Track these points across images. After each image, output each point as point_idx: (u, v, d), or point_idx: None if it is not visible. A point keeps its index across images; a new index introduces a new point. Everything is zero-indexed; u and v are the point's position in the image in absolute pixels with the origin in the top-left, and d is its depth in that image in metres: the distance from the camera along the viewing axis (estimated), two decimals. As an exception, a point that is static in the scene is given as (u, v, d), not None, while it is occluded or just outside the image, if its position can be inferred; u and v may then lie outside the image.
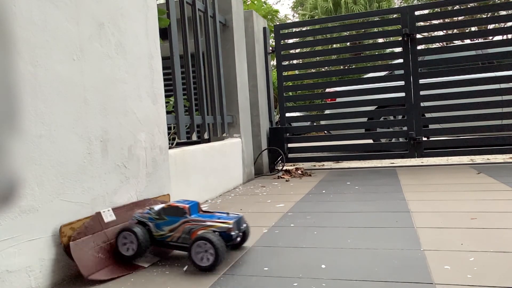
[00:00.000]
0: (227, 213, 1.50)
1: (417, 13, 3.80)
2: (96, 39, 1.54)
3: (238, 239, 1.44)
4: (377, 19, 6.99)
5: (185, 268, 1.36)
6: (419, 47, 3.82)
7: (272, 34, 4.41)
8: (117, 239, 1.43)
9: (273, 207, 2.26)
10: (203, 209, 1.64)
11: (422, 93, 3.81)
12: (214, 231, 1.37)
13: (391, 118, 5.02)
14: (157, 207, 1.50)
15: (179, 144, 3.04)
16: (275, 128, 4.07)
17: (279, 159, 4.04)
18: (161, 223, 1.45)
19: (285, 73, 4.28)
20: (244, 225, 1.51)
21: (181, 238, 1.43)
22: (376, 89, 3.92)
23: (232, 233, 1.38)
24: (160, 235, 1.45)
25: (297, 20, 21.94)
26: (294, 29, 14.31)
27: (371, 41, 13.47)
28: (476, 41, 5.50)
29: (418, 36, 3.84)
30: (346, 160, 4.13)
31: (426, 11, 8.86)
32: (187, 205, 1.45)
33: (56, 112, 1.32)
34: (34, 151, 1.22)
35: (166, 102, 2.84)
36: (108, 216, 1.49)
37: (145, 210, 1.52)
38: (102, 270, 1.32)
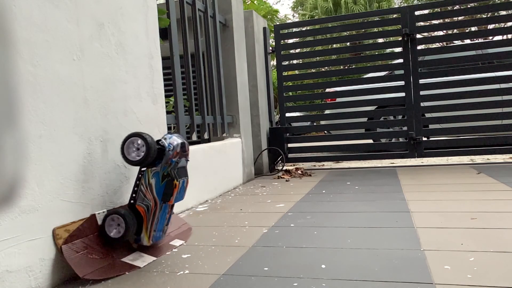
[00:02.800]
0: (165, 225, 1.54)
1: (417, 13, 3.80)
2: (96, 39, 1.54)
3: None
4: (377, 19, 6.99)
5: (186, 272, 1.36)
6: (419, 47, 3.82)
7: (272, 34, 4.41)
8: (126, 142, 1.43)
9: (273, 207, 2.26)
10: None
11: (422, 93, 3.81)
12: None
13: (391, 118, 5.02)
14: (182, 160, 1.49)
15: (179, 144, 3.03)
16: (275, 128, 4.07)
17: (279, 159, 4.04)
18: (161, 175, 1.45)
19: (285, 73, 4.28)
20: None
21: (140, 194, 1.45)
22: (376, 89, 3.92)
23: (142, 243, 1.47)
24: (153, 171, 1.45)
25: (297, 20, 21.94)
26: (294, 29, 14.31)
27: (371, 41, 13.48)
28: (476, 41, 5.50)
29: (418, 36, 3.84)
30: (346, 160, 4.13)
31: (426, 11, 8.86)
32: (173, 199, 1.47)
33: (56, 112, 1.32)
34: (34, 151, 1.22)
35: (166, 102, 2.84)
36: (103, 218, 1.49)
37: (177, 151, 1.46)
38: (96, 270, 1.32)
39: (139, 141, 1.41)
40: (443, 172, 3.27)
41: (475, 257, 1.29)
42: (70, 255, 1.28)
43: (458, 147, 4.20)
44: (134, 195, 1.48)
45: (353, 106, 4.01)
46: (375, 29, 13.69)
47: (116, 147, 1.63)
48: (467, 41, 5.49)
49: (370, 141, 5.97)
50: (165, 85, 2.49)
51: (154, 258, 1.48)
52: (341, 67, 8.49)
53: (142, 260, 1.44)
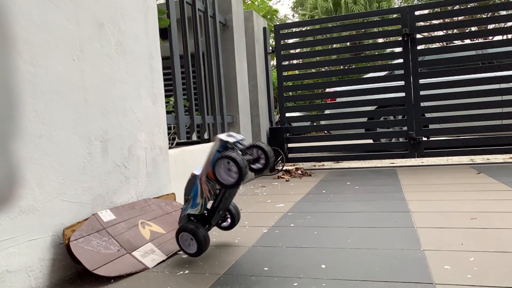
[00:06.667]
0: None
1: (417, 13, 3.80)
2: (96, 39, 1.54)
3: (239, 145, 1.40)
4: (377, 19, 7.00)
5: (186, 272, 1.36)
6: (419, 47, 3.82)
7: (272, 34, 4.41)
8: (178, 240, 1.45)
9: (273, 207, 2.26)
10: None
11: (422, 93, 3.81)
12: (217, 151, 1.34)
13: (391, 118, 5.02)
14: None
15: (179, 144, 3.04)
16: (275, 128, 4.07)
17: (279, 159, 4.05)
18: (192, 202, 1.46)
19: (285, 73, 4.28)
20: (240, 137, 1.44)
21: (210, 190, 1.44)
22: (376, 89, 3.92)
23: (224, 139, 1.35)
24: (201, 208, 1.45)
25: (297, 20, 21.95)
26: (294, 29, 14.31)
27: (371, 41, 13.48)
28: (476, 41, 5.50)
29: (418, 36, 3.84)
30: (346, 160, 4.13)
31: (426, 11, 8.85)
32: (193, 172, 1.46)
33: (56, 112, 1.32)
34: (34, 151, 1.22)
35: (166, 102, 2.84)
36: (107, 216, 1.49)
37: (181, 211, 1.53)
38: (107, 264, 1.31)
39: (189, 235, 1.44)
40: (443, 172, 3.27)
41: (475, 257, 1.29)
42: (79, 250, 1.28)
43: (458, 147, 4.20)
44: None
45: (353, 106, 4.01)
46: (375, 29, 13.69)
47: (116, 147, 1.63)
48: (467, 41, 5.49)
49: (370, 141, 5.96)
50: (165, 85, 2.48)
51: (165, 257, 1.48)
52: (341, 67, 8.49)
53: (152, 259, 1.44)
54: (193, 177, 1.46)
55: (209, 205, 1.50)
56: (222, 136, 1.37)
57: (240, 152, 1.38)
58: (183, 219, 1.49)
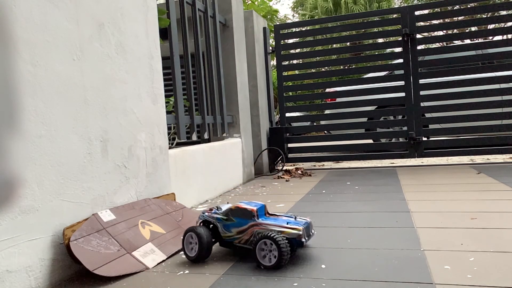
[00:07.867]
0: (295, 217, 1.44)
1: (417, 13, 3.80)
2: (96, 39, 1.54)
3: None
4: (377, 19, 7.00)
5: (186, 272, 1.36)
6: (419, 47, 3.82)
7: (272, 34, 4.41)
8: (184, 238, 1.44)
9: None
10: (269, 212, 1.59)
11: (422, 93, 3.81)
12: (285, 238, 1.31)
13: (391, 118, 5.02)
14: (225, 207, 1.48)
15: (179, 144, 3.04)
16: (275, 128, 4.07)
17: (279, 159, 4.05)
18: (229, 224, 1.42)
19: (285, 73, 4.28)
20: (313, 231, 1.44)
21: (249, 242, 1.39)
22: (376, 89, 3.92)
23: (303, 240, 1.33)
24: (228, 236, 1.43)
25: (297, 20, 21.95)
26: (294, 29, 14.31)
27: (371, 41, 13.48)
28: (476, 41, 5.50)
29: (418, 36, 3.84)
30: (346, 160, 4.13)
31: (426, 11, 8.86)
32: (255, 208, 1.40)
33: (56, 112, 1.32)
34: (34, 151, 1.22)
35: (166, 102, 2.84)
36: (107, 216, 1.49)
37: (212, 210, 1.49)
38: (107, 264, 1.31)
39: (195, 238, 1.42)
40: (443, 172, 3.27)
41: (475, 257, 1.29)
42: (79, 250, 1.28)
43: (458, 147, 4.20)
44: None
45: (353, 106, 4.01)
46: (375, 29, 13.69)
47: (116, 147, 1.63)
48: (467, 41, 5.49)
49: (370, 141, 5.97)
50: (165, 85, 2.49)
51: (165, 257, 1.48)
52: (341, 67, 8.49)
53: (152, 259, 1.44)
54: (251, 215, 1.40)
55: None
56: (301, 231, 1.32)
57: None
58: (203, 219, 1.48)
